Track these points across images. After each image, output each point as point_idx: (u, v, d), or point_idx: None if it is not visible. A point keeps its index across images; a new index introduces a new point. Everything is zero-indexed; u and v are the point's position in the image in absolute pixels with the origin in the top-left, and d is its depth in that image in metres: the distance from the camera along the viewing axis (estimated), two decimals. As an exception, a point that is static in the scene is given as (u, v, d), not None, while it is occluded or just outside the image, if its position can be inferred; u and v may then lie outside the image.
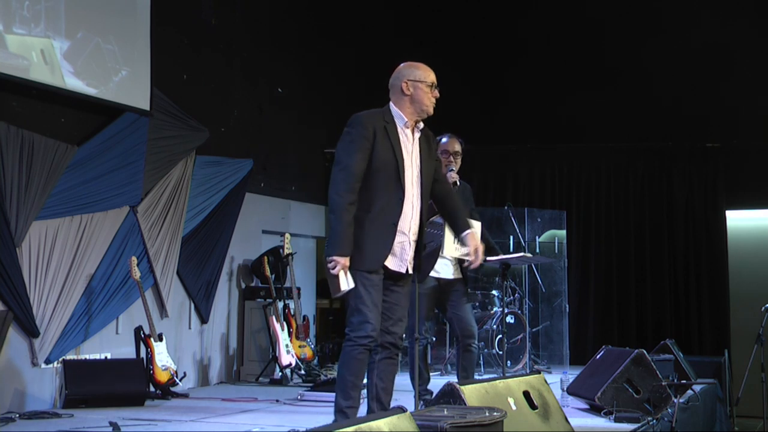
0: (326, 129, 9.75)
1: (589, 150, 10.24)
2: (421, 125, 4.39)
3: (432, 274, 5.51)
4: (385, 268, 4.23)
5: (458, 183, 5.60)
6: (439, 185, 4.52)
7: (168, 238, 7.37)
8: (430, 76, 4.37)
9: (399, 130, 4.29)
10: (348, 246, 4.08)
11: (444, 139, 5.76)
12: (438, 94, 4.38)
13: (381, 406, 4.21)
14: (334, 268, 4.05)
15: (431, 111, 4.38)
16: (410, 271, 4.35)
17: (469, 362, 5.64)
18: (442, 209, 4.60)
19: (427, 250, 4.67)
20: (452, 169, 5.62)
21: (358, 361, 4.15)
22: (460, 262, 5.61)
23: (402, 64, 4.43)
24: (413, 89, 4.32)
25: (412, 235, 4.30)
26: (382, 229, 4.20)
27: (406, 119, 4.32)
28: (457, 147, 5.72)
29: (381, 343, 4.26)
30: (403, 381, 5.18)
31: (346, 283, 4.08)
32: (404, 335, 4.55)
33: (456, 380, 4.27)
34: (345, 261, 4.07)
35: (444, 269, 5.61)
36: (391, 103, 4.37)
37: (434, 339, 8.14)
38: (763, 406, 7.13)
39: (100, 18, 6.69)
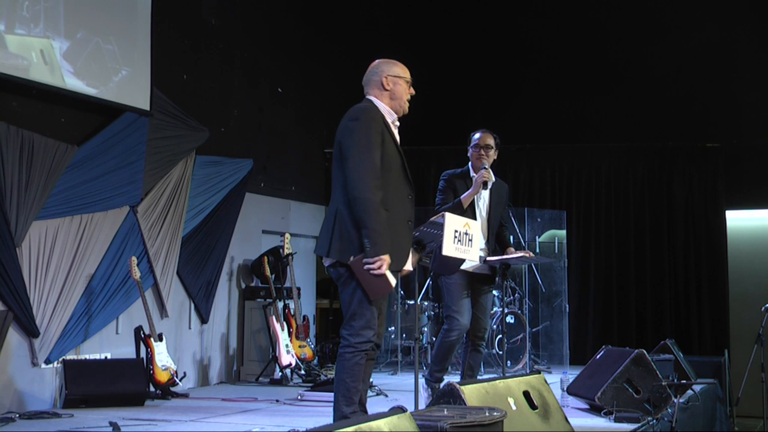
0: (326, 129, 9.74)
1: (589, 150, 10.24)
2: (398, 122, 4.32)
3: (463, 267, 5.48)
4: None
5: (492, 179, 5.58)
6: None
7: (168, 238, 7.37)
8: (408, 73, 4.32)
9: (390, 124, 4.23)
10: (389, 243, 3.93)
11: (477, 135, 5.76)
12: (413, 92, 4.34)
13: (361, 407, 4.13)
14: (380, 268, 3.87)
15: (407, 109, 4.33)
16: (411, 269, 4.33)
17: (477, 362, 5.72)
18: None
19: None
20: (485, 167, 5.59)
21: (360, 366, 4.05)
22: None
23: (377, 61, 4.37)
24: (393, 85, 4.26)
25: None
26: (401, 227, 4.12)
27: (394, 115, 4.27)
28: (489, 141, 5.72)
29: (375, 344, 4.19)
30: (406, 381, 5.18)
31: (393, 279, 3.92)
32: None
33: (456, 380, 4.27)
34: (389, 258, 3.90)
35: (472, 264, 5.56)
36: (373, 99, 4.26)
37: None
38: (763, 406, 7.13)
39: (100, 18, 6.69)
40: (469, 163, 5.75)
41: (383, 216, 3.95)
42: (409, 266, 4.27)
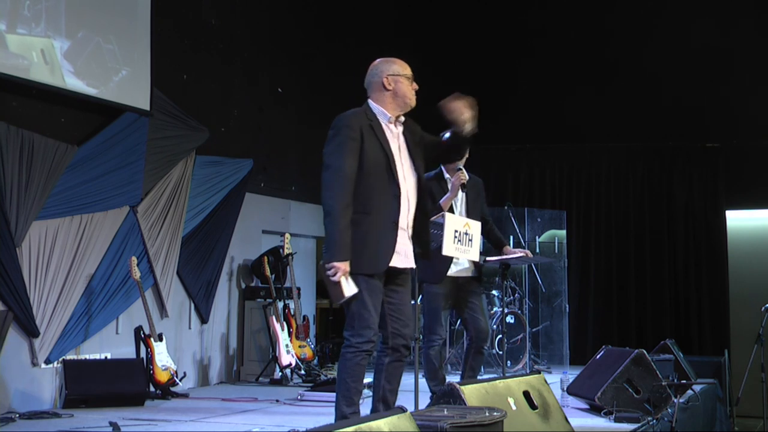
0: (326, 129, 9.71)
1: (589, 150, 10.24)
2: (402, 118, 4.34)
3: (449, 273, 5.50)
4: (392, 267, 4.14)
5: (467, 177, 5.58)
6: (431, 141, 4.51)
7: (168, 238, 7.37)
8: (408, 69, 4.35)
9: (383, 126, 4.24)
10: (347, 251, 3.97)
11: (447, 135, 5.72)
12: (417, 86, 4.36)
13: (386, 407, 4.18)
14: (335, 275, 3.93)
15: (414, 103, 4.36)
16: (413, 266, 4.34)
17: (479, 364, 5.74)
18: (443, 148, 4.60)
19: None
20: (460, 168, 5.60)
21: (361, 367, 4.09)
22: (474, 262, 5.59)
23: (376, 61, 4.39)
24: (394, 83, 4.28)
25: (410, 230, 4.25)
26: (384, 229, 4.11)
27: (389, 115, 4.27)
28: None
29: (392, 346, 4.19)
30: (405, 381, 5.18)
31: (349, 288, 3.97)
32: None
33: (456, 380, 4.27)
34: (346, 266, 3.95)
35: (460, 267, 5.57)
36: (370, 101, 4.31)
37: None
38: (763, 406, 7.13)
39: (100, 18, 6.69)
40: (441, 165, 5.70)
41: (344, 224, 3.99)
42: (410, 263, 4.27)
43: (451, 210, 5.55)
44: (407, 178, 4.24)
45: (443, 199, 5.54)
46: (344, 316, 4.17)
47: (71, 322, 6.42)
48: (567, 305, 9.30)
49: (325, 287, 4.11)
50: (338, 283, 3.95)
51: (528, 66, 10.64)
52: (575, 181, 10.30)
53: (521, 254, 5.79)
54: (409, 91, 4.31)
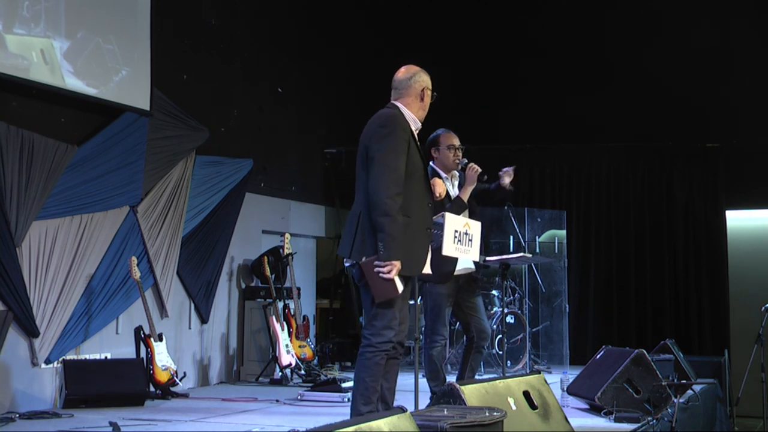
0: (326, 129, 9.74)
1: (589, 150, 10.23)
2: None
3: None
4: None
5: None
6: None
7: (168, 238, 7.37)
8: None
9: (413, 132, 4.30)
10: (402, 250, 4.03)
11: (445, 136, 5.71)
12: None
13: (386, 406, 4.22)
14: (389, 272, 3.98)
15: None
16: (430, 272, 4.38)
17: (478, 363, 5.76)
18: None
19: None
20: (466, 162, 5.62)
21: (380, 366, 4.14)
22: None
23: (414, 68, 4.41)
24: (425, 97, 4.37)
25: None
26: (420, 234, 4.20)
27: (418, 123, 4.35)
28: (458, 140, 5.73)
29: None
30: (405, 381, 5.18)
31: (400, 285, 4.05)
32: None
33: (456, 380, 4.27)
34: (399, 264, 4.01)
35: (463, 265, 5.57)
36: (401, 105, 4.33)
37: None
38: (763, 406, 7.13)
39: (100, 18, 6.69)
40: (432, 163, 5.66)
41: (400, 222, 4.04)
42: (428, 269, 4.32)
43: (442, 204, 5.53)
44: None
45: (462, 191, 5.57)
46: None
47: (71, 322, 6.42)
48: (567, 305, 9.29)
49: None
50: (391, 281, 4.00)
51: (528, 66, 10.63)
52: (575, 181, 10.29)
53: (521, 254, 5.78)
54: (427, 106, 4.39)
